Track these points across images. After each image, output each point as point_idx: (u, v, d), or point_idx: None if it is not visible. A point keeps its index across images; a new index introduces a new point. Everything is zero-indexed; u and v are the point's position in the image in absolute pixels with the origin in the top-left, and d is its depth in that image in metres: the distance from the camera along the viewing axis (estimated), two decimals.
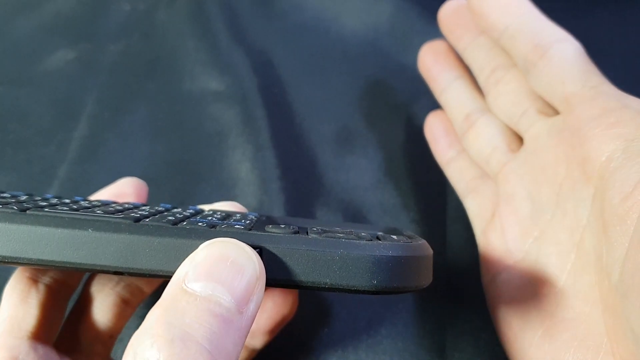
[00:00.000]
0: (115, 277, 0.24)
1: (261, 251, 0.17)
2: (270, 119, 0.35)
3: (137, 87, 0.38)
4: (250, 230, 0.17)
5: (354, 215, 0.32)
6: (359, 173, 0.34)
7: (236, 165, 0.34)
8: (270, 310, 0.24)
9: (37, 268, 0.22)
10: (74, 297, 0.24)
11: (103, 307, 0.24)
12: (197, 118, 0.36)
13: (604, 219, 0.20)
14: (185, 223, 0.18)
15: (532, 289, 0.23)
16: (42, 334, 0.21)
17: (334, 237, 0.17)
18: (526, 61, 0.25)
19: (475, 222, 0.28)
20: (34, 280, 0.22)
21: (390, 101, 0.37)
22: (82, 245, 0.16)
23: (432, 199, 0.33)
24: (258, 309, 0.16)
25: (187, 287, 0.15)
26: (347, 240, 0.17)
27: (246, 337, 0.15)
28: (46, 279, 0.22)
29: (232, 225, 0.18)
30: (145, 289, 0.25)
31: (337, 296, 0.29)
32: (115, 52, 0.40)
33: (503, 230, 0.25)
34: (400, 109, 0.37)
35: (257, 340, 0.24)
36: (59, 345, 0.23)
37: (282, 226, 0.18)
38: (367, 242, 0.17)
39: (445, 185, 0.32)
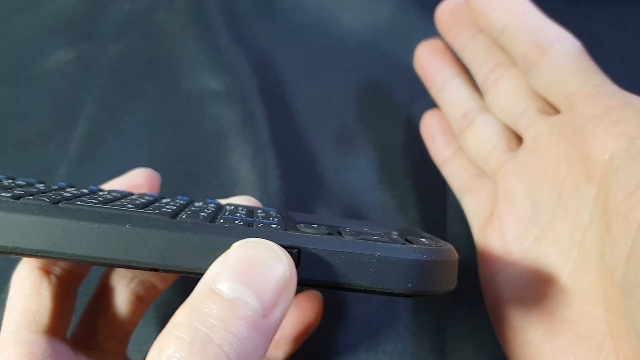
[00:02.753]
0: (130, 274, 0.24)
1: (299, 252, 0.16)
2: (270, 119, 0.35)
3: (137, 87, 0.38)
4: (286, 230, 0.17)
5: (354, 216, 0.32)
6: (359, 173, 0.34)
7: (236, 165, 0.34)
8: (296, 316, 0.24)
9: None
10: (90, 293, 0.24)
11: (118, 304, 0.24)
12: (197, 118, 0.36)
13: (607, 218, 0.20)
14: (222, 220, 0.18)
15: (532, 288, 0.23)
16: (57, 328, 0.21)
17: (370, 240, 0.17)
18: (527, 60, 0.25)
19: (473, 221, 0.28)
20: (46, 271, 0.21)
21: (390, 101, 0.37)
22: (120, 241, 0.16)
23: (432, 199, 0.33)
24: (285, 314, 0.16)
25: (216, 287, 0.15)
26: (383, 244, 0.17)
27: (270, 342, 0.15)
28: (57, 270, 0.22)
29: (269, 225, 0.18)
30: (159, 286, 0.25)
31: (337, 297, 0.29)
32: (115, 52, 0.40)
33: (502, 229, 0.25)
34: (400, 109, 0.37)
35: (281, 350, 0.24)
36: (75, 342, 0.22)
37: (315, 226, 0.18)
38: (402, 245, 0.17)
39: (445, 185, 0.32)
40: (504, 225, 0.25)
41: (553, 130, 0.24)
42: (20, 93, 0.38)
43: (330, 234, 0.17)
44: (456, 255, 0.18)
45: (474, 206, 0.28)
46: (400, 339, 0.28)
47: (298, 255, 0.16)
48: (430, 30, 0.36)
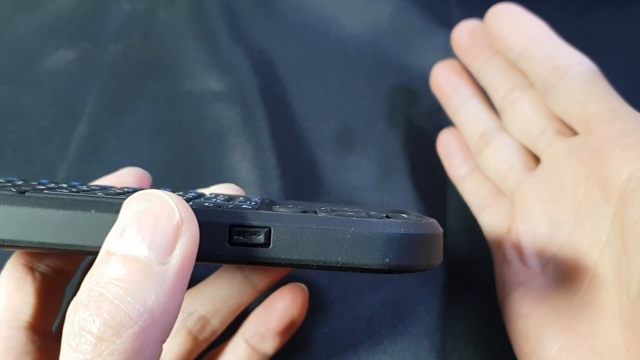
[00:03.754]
0: None
1: (270, 231, 0.16)
2: (270, 119, 0.35)
3: (137, 87, 0.38)
4: (258, 210, 0.17)
5: None
6: (359, 173, 0.34)
7: (236, 165, 0.34)
8: (280, 311, 0.24)
9: (33, 255, 0.22)
10: (73, 285, 0.24)
11: None
12: (197, 118, 0.36)
13: (624, 236, 0.20)
14: (191, 204, 0.17)
15: (549, 303, 0.23)
16: (39, 323, 0.21)
17: (345, 216, 0.17)
18: (545, 83, 0.25)
19: (491, 238, 0.28)
20: (30, 268, 0.21)
21: (390, 101, 0.37)
22: (85, 227, 0.16)
23: (432, 199, 0.33)
24: (190, 257, 0.15)
25: (110, 248, 0.15)
26: (358, 219, 0.16)
27: (181, 288, 0.15)
28: (42, 267, 0.22)
29: (240, 206, 0.17)
30: None
31: (337, 296, 0.29)
32: (115, 52, 0.40)
33: (520, 246, 0.25)
34: (400, 108, 0.37)
35: (268, 343, 0.24)
36: (59, 335, 0.22)
37: (290, 206, 0.18)
38: (379, 220, 0.16)
39: (446, 185, 0.32)
40: (522, 242, 0.25)
41: (571, 152, 0.24)
42: (20, 93, 0.38)
43: (305, 212, 0.17)
44: (439, 230, 0.18)
45: (491, 223, 0.28)
46: (400, 339, 0.28)
47: (269, 234, 0.16)
48: (430, 31, 0.37)
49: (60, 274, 0.23)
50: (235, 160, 0.34)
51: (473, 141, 0.29)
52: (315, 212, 0.17)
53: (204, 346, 0.25)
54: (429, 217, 0.19)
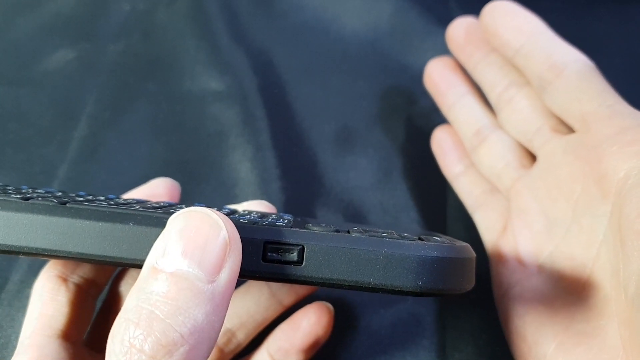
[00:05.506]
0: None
1: (303, 249, 0.16)
2: (270, 119, 0.35)
3: (137, 87, 0.38)
4: (292, 228, 0.17)
5: (354, 215, 0.32)
6: (359, 173, 0.34)
7: (236, 165, 0.34)
8: (304, 329, 0.24)
9: (67, 266, 0.22)
10: (103, 295, 0.25)
11: None
12: (197, 118, 0.36)
13: (621, 235, 0.20)
14: None
15: (545, 302, 0.23)
16: (72, 333, 0.21)
17: (378, 237, 0.17)
18: (542, 80, 0.25)
19: (486, 236, 0.28)
20: (63, 279, 0.22)
21: (390, 101, 0.37)
22: (123, 240, 0.16)
23: (432, 199, 0.33)
24: (235, 275, 0.15)
25: (157, 265, 0.15)
26: (391, 240, 0.16)
27: (226, 306, 0.15)
28: (75, 278, 0.22)
29: (274, 223, 0.17)
30: None
31: (336, 297, 0.29)
32: (115, 52, 0.40)
33: (516, 244, 0.25)
34: (400, 108, 0.37)
35: (291, 359, 0.24)
36: (90, 344, 0.23)
37: (323, 225, 0.18)
38: (412, 242, 0.16)
39: (446, 185, 0.32)
40: (518, 241, 0.25)
41: (568, 149, 0.24)
42: (20, 93, 0.38)
43: (337, 231, 0.17)
44: (472, 254, 0.18)
45: (486, 221, 0.28)
46: (400, 339, 0.28)
47: (302, 252, 0.16)
48: (430, 31, 0.37)
49: (91, 285, 0.23)
50: (235, 160, 0.34)
51: (468, 138, 0.29)
52: (348, 232, 0.17)
53: (228, 358, 0.25)
54: (462, 241, 0.18)
